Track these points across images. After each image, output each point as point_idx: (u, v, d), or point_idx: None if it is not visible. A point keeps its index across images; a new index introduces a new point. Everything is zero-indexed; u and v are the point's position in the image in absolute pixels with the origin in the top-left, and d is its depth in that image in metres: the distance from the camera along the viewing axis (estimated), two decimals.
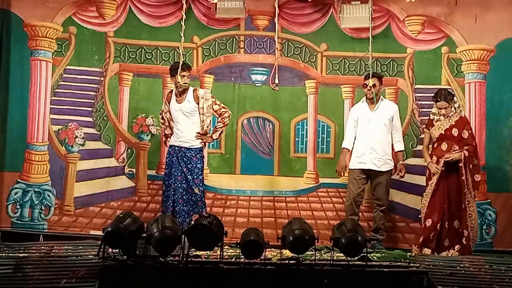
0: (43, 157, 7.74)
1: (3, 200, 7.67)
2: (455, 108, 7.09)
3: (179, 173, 6.96)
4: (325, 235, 7.10)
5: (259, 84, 8.01)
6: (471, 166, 6.91)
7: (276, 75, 7.42)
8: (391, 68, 7.99)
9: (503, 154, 7.83)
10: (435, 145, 7.09)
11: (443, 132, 7.01)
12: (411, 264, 6.07)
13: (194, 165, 7.00)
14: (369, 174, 7.21)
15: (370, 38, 7.47)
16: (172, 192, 6.94)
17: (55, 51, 7.85)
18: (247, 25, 8.05)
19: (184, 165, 6.97)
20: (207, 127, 7.05)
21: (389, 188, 7.29)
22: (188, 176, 6.95)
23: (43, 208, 7.69)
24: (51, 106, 7.82)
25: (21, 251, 6.40)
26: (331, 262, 5.83)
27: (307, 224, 5.95)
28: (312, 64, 8.03)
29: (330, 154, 7.97)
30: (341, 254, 5.89)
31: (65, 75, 7.88)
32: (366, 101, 7.28)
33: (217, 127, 7.20)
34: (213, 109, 7.12)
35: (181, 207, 6.91)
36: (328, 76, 7.97)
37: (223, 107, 7.19)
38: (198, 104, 7.03)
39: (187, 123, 7.04)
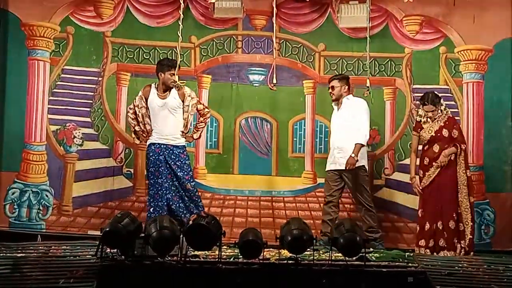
0: (41, 157, 7.73)
1: (0, 200, 7.65)
2: (441, 110, 7.06)
3: (168, 171, 6.92)
4: None
5: (257, 84, 8.01)
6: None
7: (274, 75, 7.42)
8: (389, 68, 8.00)
9: (502, 154, 7.83)
10: (426, 147, 7.07)
11: (433, 134, 7.00)
12: (410, 264, 6.06)
13: (183, 161, 6.95)
14: (341, 175, 7.21)
15: (368, 38, 7.46)
16: (165, 191, 6.88)
17: (52, 51, 7.84)
18: (244, 25, 8.05)
19: (172, 163, 6.91)
20: (190, 125, 7.06)
21: (366, 185, 7.22)
22: (179, 173, 6.89)
23: (41, 208, 7.68)
24: (49, 106, 7.81)
25: (19, 251, 6.39)
26: (330, 262, 5.82)
27: (306, 224, 5.94)
28: (310, 64, 8.03)
29: (328, 154, 7.95)
30: (340, 254, 5.89)
31: (63, 75, 7.87)
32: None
33: (198, 126, 7.18)
34: (197, 108, 7.10)
35: (178, 204, 6.88)
36: (326, 76, 7.94)
37: (206, 107, 7.23)
38: (183, 101, 7.01)
39: (171, 120, 6.98)
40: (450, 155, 6.90)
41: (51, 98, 7.83)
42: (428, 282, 5.57)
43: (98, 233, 5.93)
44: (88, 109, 7.88)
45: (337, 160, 7.19)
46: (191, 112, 7.03)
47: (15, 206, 7.66)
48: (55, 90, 7.84)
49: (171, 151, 6.94)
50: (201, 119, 7.19)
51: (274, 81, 7.42)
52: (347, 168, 7.06)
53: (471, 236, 6.85)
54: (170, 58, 7.33)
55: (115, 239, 5.64)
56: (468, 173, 6.94)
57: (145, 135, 7.09)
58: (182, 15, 7.39)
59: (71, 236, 7.44)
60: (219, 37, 8.04)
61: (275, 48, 7.76)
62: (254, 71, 8.03)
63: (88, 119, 7.88)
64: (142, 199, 7.76)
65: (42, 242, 7.14)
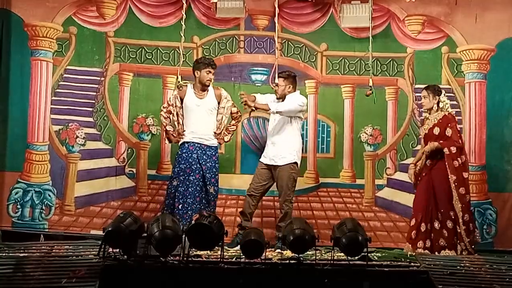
0: (44, 157, 7.74)
1: (3, 200, 7.66)
2: (437, 105, 6.90)
3: (197, 171, 6.94)
4: (326, 235, 7.04)
5: (259, 84, 8.01)
6: (457, 163, 6.76)
7: (276, 75, 7.42)
8: (391, 67, 8.00)
9: (504, 154, 7.83)
10: (423, 145, 7.01)
11: (427, 132, 6.93)
12: (412, 264, 6.06)
13: (213, 164, 7.00)
14: (271, 170, 7.19)
15: (370, 37, 7.48)
16: (195, 189, 6.88)
17: (55, 51, 7.85)
18: (247, 25, 8.05)
19: (203, 163, 6.95)
20: (224, 127, 7.09)
21: (291, 183, 7.12)
22: (206, 175, 6.94)
23: (43, 207, 7.69)
24: (52, 106, 7.82)
25: (22, 250, 6.39)
26: (332, 261, 5.82)
27: (308, 224, 5.95)
28: (312, 64, 8.03)
29: (330, 154, 7.98)
30: (342, 254, 5.88)
31: (65, 75, 7.88)
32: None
33: (230, 129, 7.24)
34: (231, 111, 7.15)
35: (197, 206, 6.90)
36: (328, 76, 7.98)
37: (239, 110, 7.26)
38: (219, 103, 7.04)
39: (207, 120, 7.03)
40: (439, 153, 6.77)
41: (53, 98, 7.84)
42: (430, 281, 5.57)
43: (100, 232, 5.93)
44: (91, 109, 7.89)
45: (268, 154, 7.18)
46: (225, 114, 7.08)
47: (18, 206, 7.68)
48: (57, 90, 7.85)
49: (204, 151, 6.98)
50: (233, 122, 7.24)
51: (276, 81, 7.41)
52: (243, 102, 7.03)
53: (468, 239, 6.74)
54: (205, 57, 7.36)
55: (117, 238, 5.65)
56: (458, 176, 6.73)
57: (175, 135, 7.13)
58: (184, 15, 7.42)
59: (73, 235, 7.47)
60: (221, 37, 8.05)
61: (277, 48, 7.77)
62: (256, 71, 8.03)
63: (91, 119, 7.89)
64: (145, 199, 7.80)
65: (44, 242, 7.14)
